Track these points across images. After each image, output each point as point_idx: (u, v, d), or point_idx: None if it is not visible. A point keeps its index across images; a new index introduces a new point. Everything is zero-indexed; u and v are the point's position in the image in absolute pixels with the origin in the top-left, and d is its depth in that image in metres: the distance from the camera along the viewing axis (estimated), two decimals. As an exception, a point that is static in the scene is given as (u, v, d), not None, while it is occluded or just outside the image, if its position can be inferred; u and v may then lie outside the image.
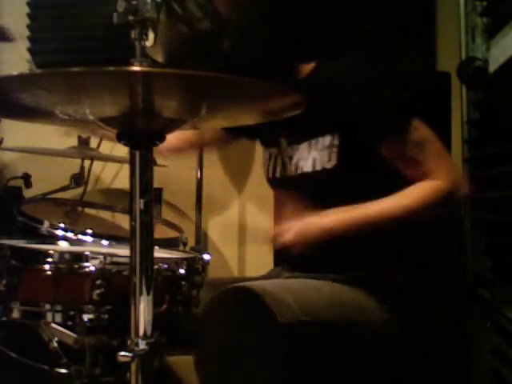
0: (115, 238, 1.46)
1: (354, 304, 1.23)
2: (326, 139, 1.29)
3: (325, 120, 1.28)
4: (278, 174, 1.43)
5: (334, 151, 1.28)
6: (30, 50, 2.55)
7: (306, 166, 1.32)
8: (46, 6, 2.59)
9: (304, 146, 1.34)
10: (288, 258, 1.44)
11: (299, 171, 1.35)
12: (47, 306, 1.09)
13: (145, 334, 0.91)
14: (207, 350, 1.16)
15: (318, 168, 1.30)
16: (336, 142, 1.28)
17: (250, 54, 1.26)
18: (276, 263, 1.52)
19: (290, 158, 1.38)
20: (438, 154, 1.26)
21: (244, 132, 1.56)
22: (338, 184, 1.28)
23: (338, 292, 1.24)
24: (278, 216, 1.49)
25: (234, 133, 1.59)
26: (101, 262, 1.09)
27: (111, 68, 0.75)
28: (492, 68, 1.52)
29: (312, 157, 1.32)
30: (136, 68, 0.85)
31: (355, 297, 1.24)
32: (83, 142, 1.99)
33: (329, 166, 1.29)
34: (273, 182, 1.47)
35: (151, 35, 0.87)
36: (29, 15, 2.57)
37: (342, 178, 1.28)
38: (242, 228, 2.44)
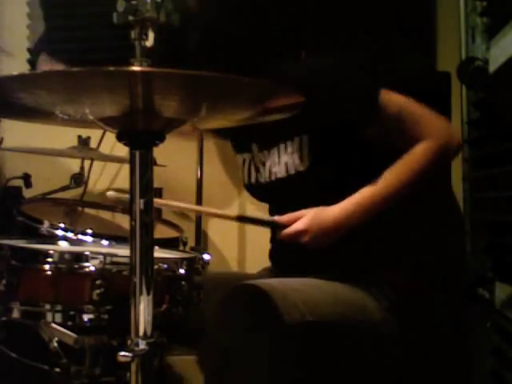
0: (115, 238, 1.46)
1: (356, 304, 1.23)
2: (295, 142, 1.28)
3: (290, 123, 1.23)
4: (253, 180, 1.43)
5: (305, 153, 1.27)
6: (29, 50, 2.55)
7: (280, 172, 1.32)
8: (45, 6, 2.59)
9: (274, 151, 1.33)
10: (285, 258, 1.45)
11: (273, 177, 1.35)
12: (47, 306, 1.09)
13: (145, 333, 0.91)
14: (212, 350, 1.15)
15: (292, 172, 1.30)
16: (305, 144, 1.27)
17: (217, 52, 1.25)
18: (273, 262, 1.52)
19: (263, 164, 1.38)
20: (420, 116, 1.25)
21: (217, 132, 1.55)
22: (315, 185, 1.28)
23: (341, 291, 1.23)
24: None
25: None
26: (101, 261, 1.09)
27: (111, 68, 0.75)
28: (492, 68, 1.52)
29: (284, 161, 1.31)
30: (136, 68, 0.85)
31: (357, 296, 1.24)
32: (83, 142, 1.99)
33: (302, 167, 1.28)
34: (249, 188, 1.46)
35: (151, 35, 0.87)
36: (29, 15, 2.57)
37: (317, 178, 1.27)
38: (242, 228, 2.44)
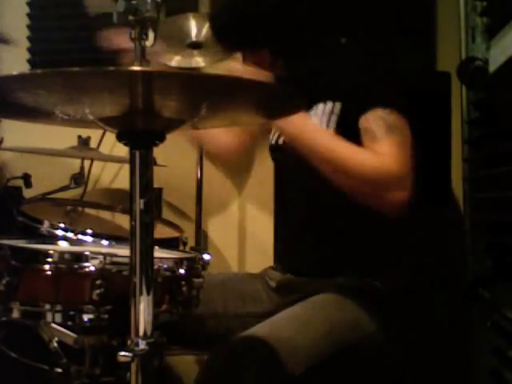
0: (115, 238, 1.46)
1: (348, 321, 1.21)
2: (328, 106, 1.31)
3: (328, 88, 1.32)
4: (281, 141, 1.44)
5: (333, 119, 1.30)
6: (30, 50, 2.55)
7: None
8: (46, 6, 2.59)
9: (310, 113, 1.35)
10: (284, 260, 1.45)
11: None
12: (47, 306, 1.09)
13: (145, 333, 0.91)
14: None
15: None
16: (336, 110, 1.30)
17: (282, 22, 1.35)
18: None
19: None
20: (399, 145, 1.22)
21: None
22: None
23: (329, 315, 1.21)
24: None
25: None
26: (101, 261, 1.08)
27: (111, 68, 0.75)
28: (492, 68, 1.52)
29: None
30: (136, 68, 0.85)
31: (347, 315, 1.22)
32: (83, 142, 2.00)
33: None
34: (274, 148, 1.47)
35: (151, 35, 0.87)
36: (29, 15, 2.58)
37: None
38: (242, 228, 2.44)
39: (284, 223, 1.48)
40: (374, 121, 1.24)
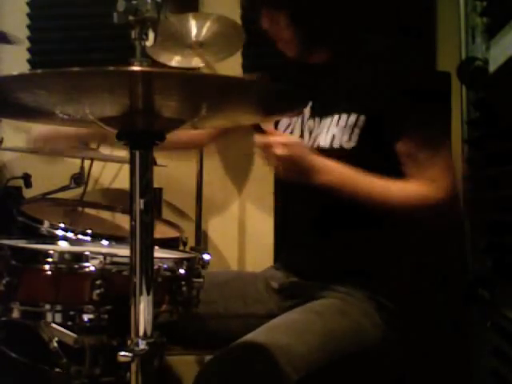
0: (115, 238, 1.46)
1: (348, 327, 1.20)
2: (352, 118, 1.27)
3: (354, 99, 1.27)
4: None
5: (356, 132, 1.26)
6: (30, 50, 2.55)
7: (324, 141, 1.30)
8: (45, 6, 2.59)
9: (326, 121, 1.31)
10: (287, 262, 1.45)
11: (315, 145, 1.32)
12: (47, 306, 1.09)
13: (145, 333, 0.91)
14: None
15: (336, 146, 1.28)
16: (360, 124, 1.26)
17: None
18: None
19: (310, 131, 1.36)
20: (443, 169, 1.24)
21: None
22: (351, 166, 1.26)
23: (328, 322, 1.20)
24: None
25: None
26: (101, 261, 1.08)
27: (111, 68, 0.75)
28: (492, 68, 1.52)
29: (332, 133, 1.29)
30: (136, 68, 0.85)
31: (349, 317, 1.22)
32: (83, 142, 1.99)
33: (347, 146, 1.27)
34: None
35: (151, 35, 0.87)
36: (29, 15, 2.57)
37: (356, 161, 1.25)
38: (242, 228, 2.44)
39: (287, 224, 1.47)
40: (416, 145, 1.23)
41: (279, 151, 1.20)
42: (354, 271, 1.28)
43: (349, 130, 1.27)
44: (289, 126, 1.41)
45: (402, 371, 1.27)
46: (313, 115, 1.36)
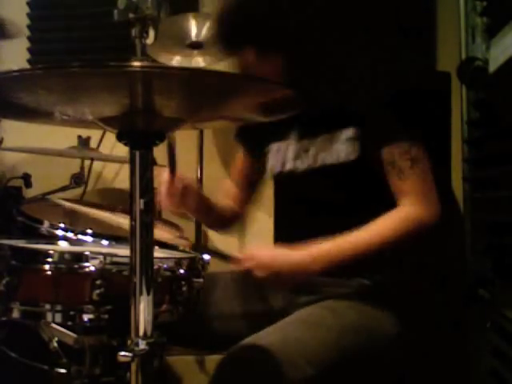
0: (115, 238, 1.46)
1: (359, 324, 1.21)
2: (350, 131, 1.28)
3: (347, 113, 1.28)
4: (287, 168, 1.41)
5: (357, 143, 1.27)
6: (30, 50, 2.55)
7: (330, 158, 1.31)
8: (45, 6, 2.59)
9: (323, 139, 1.32)
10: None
11: (320, 163, 1.33)
12: (47, 306, 1.09)
13: (145, 333, 0.91)
14: None
15: (343, 159, 1.29)
16: (359, 134, 1.27)
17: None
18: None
19: (306, 151, 1.36)
20: (424, 178, 1.25)
21: (252, 135, 1.53)
22: (361, 174, 1.27)
23: (341, 318, 1.21)
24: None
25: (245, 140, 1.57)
26: (101, 261, 1.08)
27: (111, 68, 0.74)
28: (492, 68, 1.52)
29: (335, 149, 1.30)
30: (136, 67, 0.85)
31: (356, 314, 1.22)
32: (83, 142, 2.00)
33: (352, 157, 1.28)
34: (280, 176, 1.44)
35: (151, 33, 0.87)
36: (29, 15, 2.57)
37: (363, 169, 1.27)
38: (242, 228, 2.44)
39: (296, 223, 1.47)
40: (400, 155, 1.24)
41: (259, 273, 1.21)
42: (353, 271, 1.28)
43: (351, 142, 1.28)
44: (278, 151, 1.42)
45: (402, 371, 1.27)
46: (303, 136, 1.37)
